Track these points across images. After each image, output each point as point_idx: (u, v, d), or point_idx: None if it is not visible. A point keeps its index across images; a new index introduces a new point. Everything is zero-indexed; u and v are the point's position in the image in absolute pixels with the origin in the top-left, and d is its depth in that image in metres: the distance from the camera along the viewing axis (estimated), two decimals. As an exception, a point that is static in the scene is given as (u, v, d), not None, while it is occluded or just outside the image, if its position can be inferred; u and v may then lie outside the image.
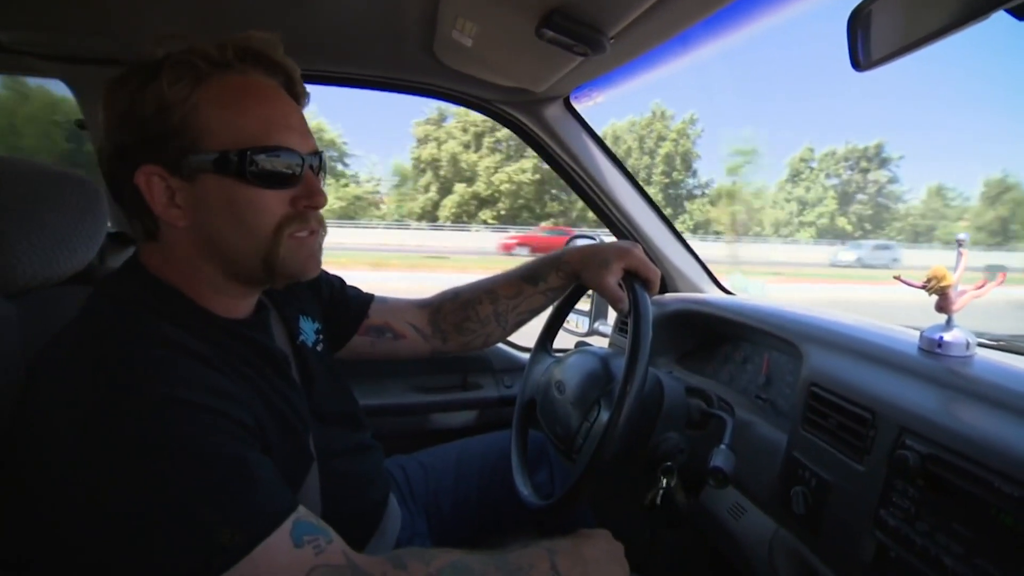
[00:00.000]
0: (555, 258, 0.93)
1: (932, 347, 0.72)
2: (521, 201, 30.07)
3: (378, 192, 31.66)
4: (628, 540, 0.72)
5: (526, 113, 1.27)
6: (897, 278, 0.79)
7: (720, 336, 1.18)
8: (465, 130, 29.83)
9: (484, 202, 30.01)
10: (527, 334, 1.09)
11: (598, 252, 0.88)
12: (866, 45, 0.56)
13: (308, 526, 0.50)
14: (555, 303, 0.98)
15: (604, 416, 0.75)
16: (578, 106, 1.27)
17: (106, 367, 0.48)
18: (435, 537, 0.94)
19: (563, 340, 1.11)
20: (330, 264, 0.75)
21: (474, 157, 29.90)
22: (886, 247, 24.62)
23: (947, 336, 0.71)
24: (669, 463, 0.79)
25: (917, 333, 0.76)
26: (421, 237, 25.07)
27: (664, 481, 0.78)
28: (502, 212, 29.93)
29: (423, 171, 30.81)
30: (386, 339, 0.93)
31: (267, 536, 0.46)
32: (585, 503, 1.03)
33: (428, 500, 0.99)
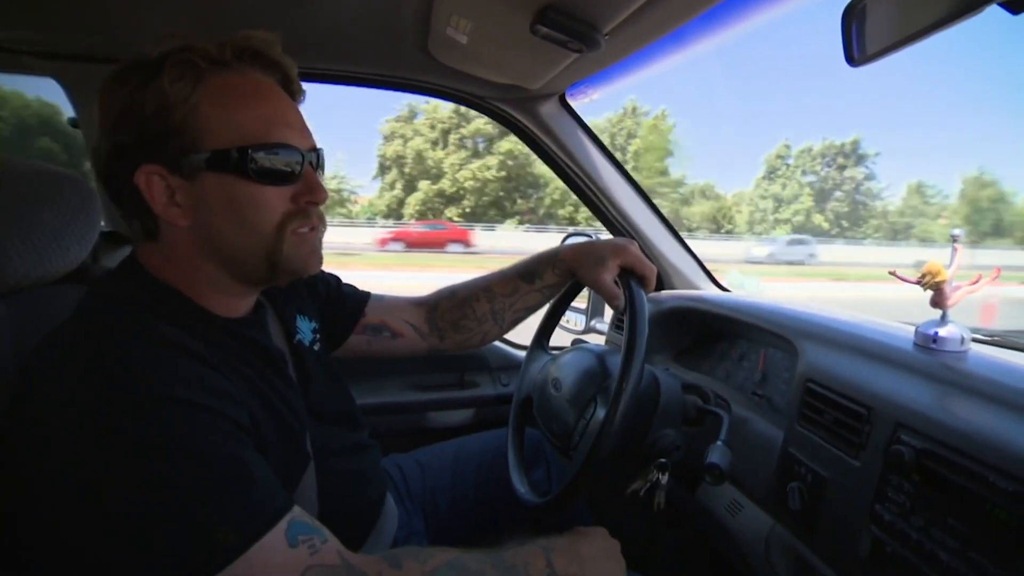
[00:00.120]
0: (551, 255, 0.93)
1: (927, 343, 0.72)
2: (486, 198, 29.88)
3: (344, 190, 31.43)
4: (625, 537, 0.72)
5: (521, 110, 1.27)
6: (892, 273, 0.79)
7: (716, 333, 1.19)
8: (433, 127, 29.61)
9: (450, 199, 29.82)
10: (524, 332, 1.09)
11: (594, 249, 0.88)
12: (860, 40, 0.56)
13: (303, 526, 0.50)
14: (551, 301, 0.98)
15: (600, 413, 0.75)
16: (573, 103, 1.27)
17: (102, 366, 0.48)
18: (432, 535, 0.94)
19: (559, 338, 1.11)
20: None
21: (440, 154, 29.68)
22: (801, 242, 24.13)
23: (942, 332, 0.71)
24: (665, 460, 0.80)
25: (912, 329, 0.76)
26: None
27: (655, 475, 0.79)
28: (467, 209, 29.77)
29: (388, 168, 30.64)
30: (383, 337, 0.93)
31: (262, 536, 0.46)
32: (582, 501, 1.03)
33: (425, 499, 0.99)
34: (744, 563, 0.89)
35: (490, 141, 29.66)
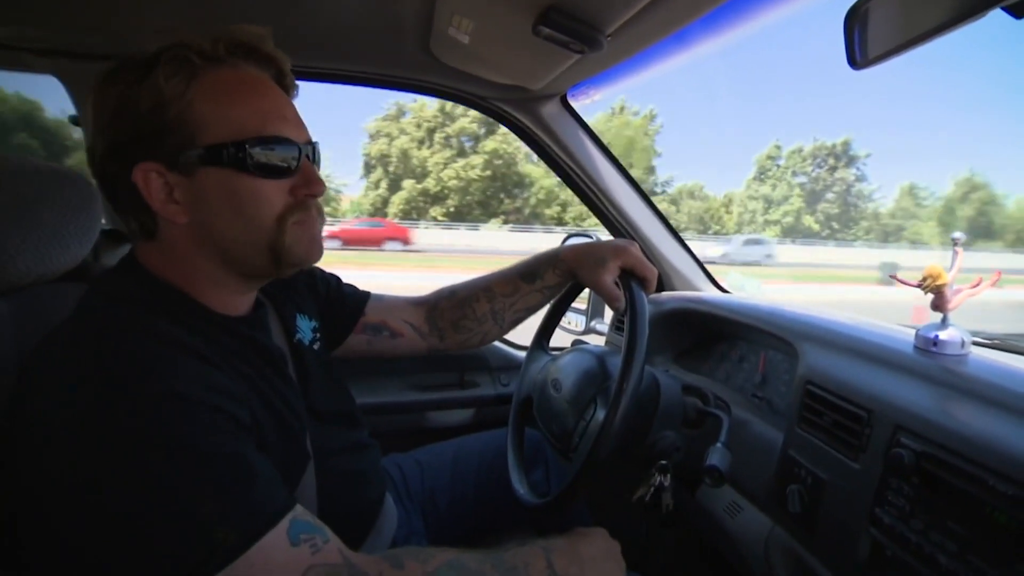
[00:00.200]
0: (552, 256, 0.93)
1: (928, 345, 0.72)
2: (470, 197, 29.74)
3: (330, 189, 31.30)
4: (625, 538, 0.72)
5: (523, 111, 1.27)
6: (894, 277, 0.79)
7: (717, 334, 1.19)
8: (419, 126, 29.54)
9: (434, 199, 29.72)
10: (524, 332, 1.09)
11: (594, 250, 0.88)
12: (863, 43, 0.56)
13: (305, 525, 0.50)
14: (552, 301, 0.98)
15: (600, 415, 0.75)
16: (575, 103, 1.27)
17: (102, 364, 0.48)
18: (432, 535, 0.94)
19: (560, 339, 1.11)
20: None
21: (426, 153, 29.58)
22: (757, 242, 23.74)
23: (942, 335, 0.71)
24: (665, 461, 0.80)
25: (913, 332, 0.76)
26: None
27: (657, 479, 0.79)
28: (451, 208, 29.64)
29: (373, 167, 30.55)
30: (383, 337, 0.92)
31: (264, 535, 0.46)
32: (581, 501, 1.03)
33: (425, 498, 0.99)
34: (743, 565, 0.89)
35: (476, 140, 29.53)
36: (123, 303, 0.55)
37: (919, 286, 0.73)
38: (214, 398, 0.50)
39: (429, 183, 29.45)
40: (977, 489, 0.53)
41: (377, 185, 30.58)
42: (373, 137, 30.67)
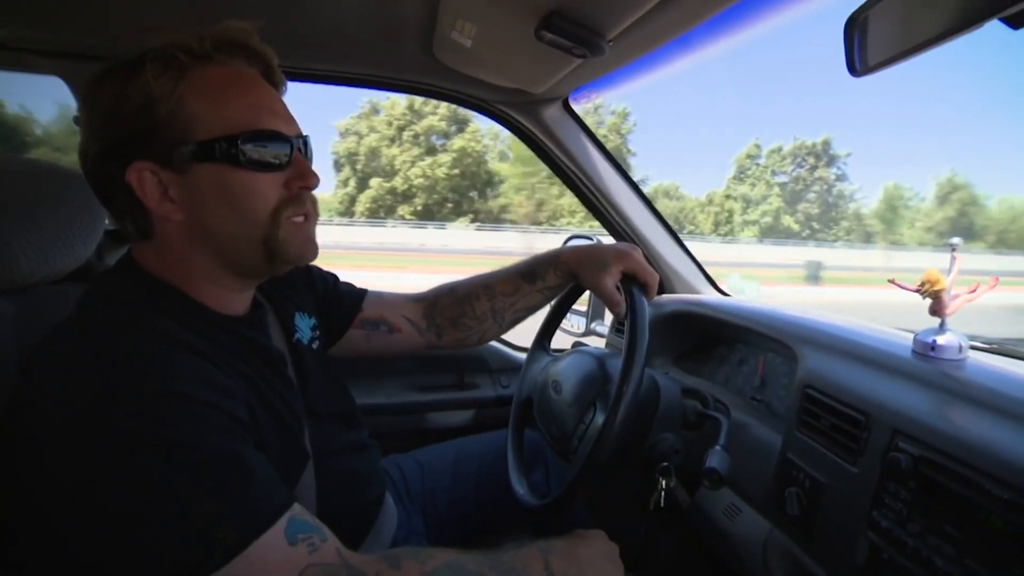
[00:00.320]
0: (553, 256, 0.93)
1: (925, 350, 0.72)
2: (436, 196, 29.45)
3: None
4: (623, 541, 0.73)
5: (525, 114, 1.27)
6: (891, 282, 0.80)
7: (716, 337, 1.19)
8: (390, 124, 29.29)
9: (401, 197, 29.46)
10: (524, 334, 1.09)
11: (596, 253, 0.88)
12: (862, 51, 0.56)
13: (303, 524, 0.50)
14: (553, 302, 0.98)
15: (599, 419, 0.75)
16: (576, 107, 1.27)
17: (102, 364, 0.48)
18: (431, 536, 0.95)
19: (560, 341, 1.11)
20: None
21: (396, 151, 29.34)
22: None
23: (940, 339, 0.72)
24: (666, 464, 0.80)
25: (911, 336, 0.76)
26: (340, 233, 23.85)
27: (663, 482, 0.79)
28: (419, 208, 29.37)
29: (342, 166, 30.28)
30: (381, 332, 0.92)
31: (262, 534, 0.46)
32: (580, 503, 1.03)
33: (424, 499, 0.99)
34: (742, 567, 0.89)
35: (446, 137, 29.27)
36: (122, 303, 0.56)
37: (917, 291, 0.74)
38: (213, 396, 0.50)
39: (397, 181, 29.19)
40: (974, 493, 0.53)
41: (346, 183, 30.36)
42: (343, 135, 30.54)
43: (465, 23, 0.88)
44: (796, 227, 32.82)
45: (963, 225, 33.73)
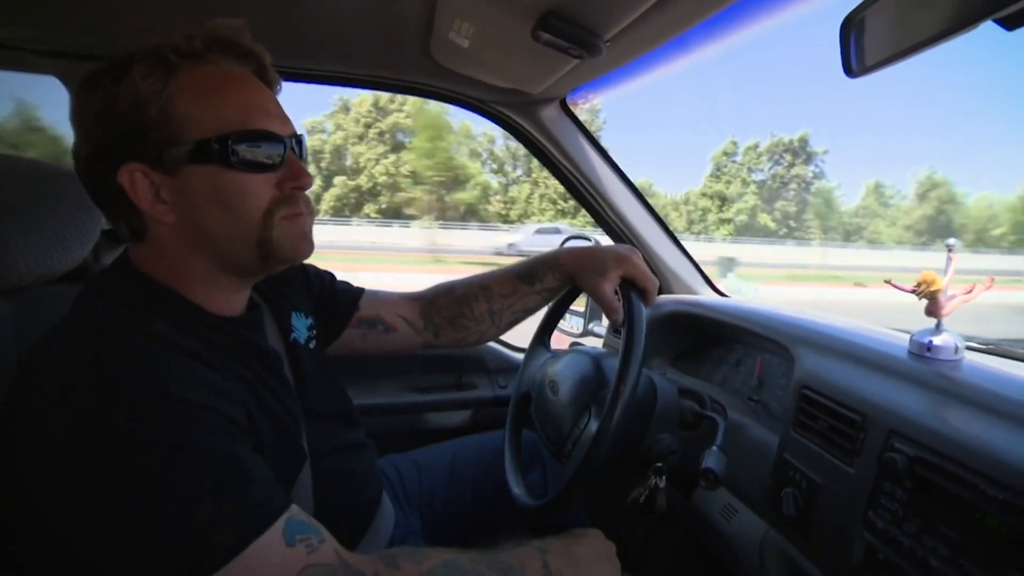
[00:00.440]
0: (552, 258, 0.92)
1: (921, 351, 0.73)
2: (401, 194, 29.19)
3: None
4: (620, 540, 0.73)
5: (522, 114, 1.27)
6: (888, 282, 0.80)
7: (714, 338, 1.19)
8: (357, 121, 29.11)
9: (366, 195, 29.21)
10: (521, 334, 1.09)
11: (596, 256, 0.87)
12: (859, 51, 0.56)
13: (301, 525, 0.50)
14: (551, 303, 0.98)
15: (593, 426, 0.75)
16: (574, 107, 1.27)
17: (98, 364, 0.48)
18: (428, 536, 0.95)
19: (557, 341, 1.11)
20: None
21: (362, 148, 29.13)
22: (555, 231, 21.74)
23: (936, 340, 0.72)
24: (661, 464, 0.80)
25: (907, 337, 0.76)
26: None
27: (653, 481, 0.79)
28: (384, 206, 29.09)
29: (306, 163, 30.17)
30: (377, 331, 0.92)
31: (260, 535, 0.46)
32: (578, 503, 1.03)
33: (422, 499, 0.99)
34: (738, 567, 0.89)
35: (412, 135, 29.04)
36: (119, 304, 0.55)
37: (913, 292, 0.74)
38: (211, 399, 0.50)
39: (362, 180, 28.93)
40: (969, 494, 0.54)
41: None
42: (309, 133, 30.11)
43: (462, 23, 0.89)
44: (773, 225, 32.51)
45: (941, 223, 33.47)
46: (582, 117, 1.28)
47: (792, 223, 33.22)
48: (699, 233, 32.00)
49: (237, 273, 0.62)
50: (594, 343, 1.42)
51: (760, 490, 0.83)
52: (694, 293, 1.36)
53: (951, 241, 0.72)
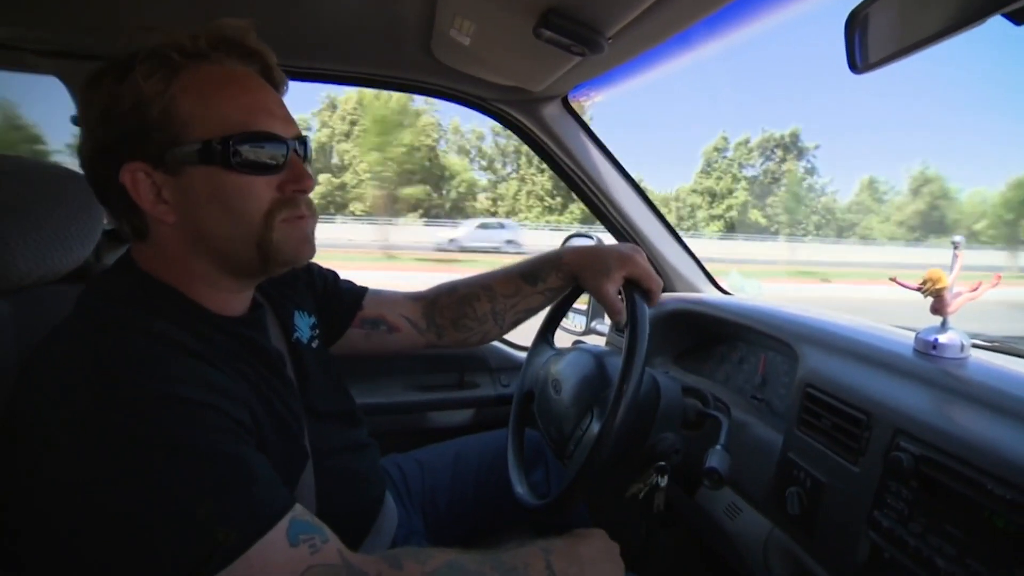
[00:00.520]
0: (555, 258, 0.92)
1: (927, 349, 0.72)
2: (385, 191, 28.64)
3: None
4: (624, 540, 0.73)
5: (524, 112, 1.27)
6: (893, 280, 0.79)
7: (717, 336, 1.19)
8: (343, 119, 28.98)
9: (352, 193, 29.02)
10: (524, 333, 1.08)
11: (599, 256, 0.86)
12: (863, 47, 0.56)
13: (304, 525, 0.50)
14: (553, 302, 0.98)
15: (595, 428, 0.75)
16: (576, 105, 1.27)
17: (101, 364, 0.48)
18: (431, 535, 0.94)
19: (560, 340, 1.11)
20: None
21: (348, 146, 28.98)
22: (499, 226, 21.77)
23: (942, 338, 0.71)
24: (663, 463, 0.80)
25: (912, 335, 0.76)
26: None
27: (655, 479, 0.78)
28: (369, 204, 28.70)
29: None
30: (380, 331, 0.92)
31: (263, 535, 0.46)
32: (581, 503, 1.03)
33: (425, 498, 0.99)
34: (742, 566, 0.89)
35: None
36: (121, 303, 0.55)
37: (919, 289, 0.73)
38: (214, 398, 0.50)
39: (347, 177, 28.70)
40: (976, 493, 0.53)
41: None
42: None
43: (464, 21, 0.88)
44: (764, 221, 32.12)
45: (934, 219, 33.09)
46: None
47: (783, 219, 32.90)
48: (688, 229, 31.61)
49: (238, 274, 0.62)
50: (597, 341, 1.42)
51: (764, 489, 0.83)
52: (697, 291, 1.36)
53: (957, 238, 0.71)
